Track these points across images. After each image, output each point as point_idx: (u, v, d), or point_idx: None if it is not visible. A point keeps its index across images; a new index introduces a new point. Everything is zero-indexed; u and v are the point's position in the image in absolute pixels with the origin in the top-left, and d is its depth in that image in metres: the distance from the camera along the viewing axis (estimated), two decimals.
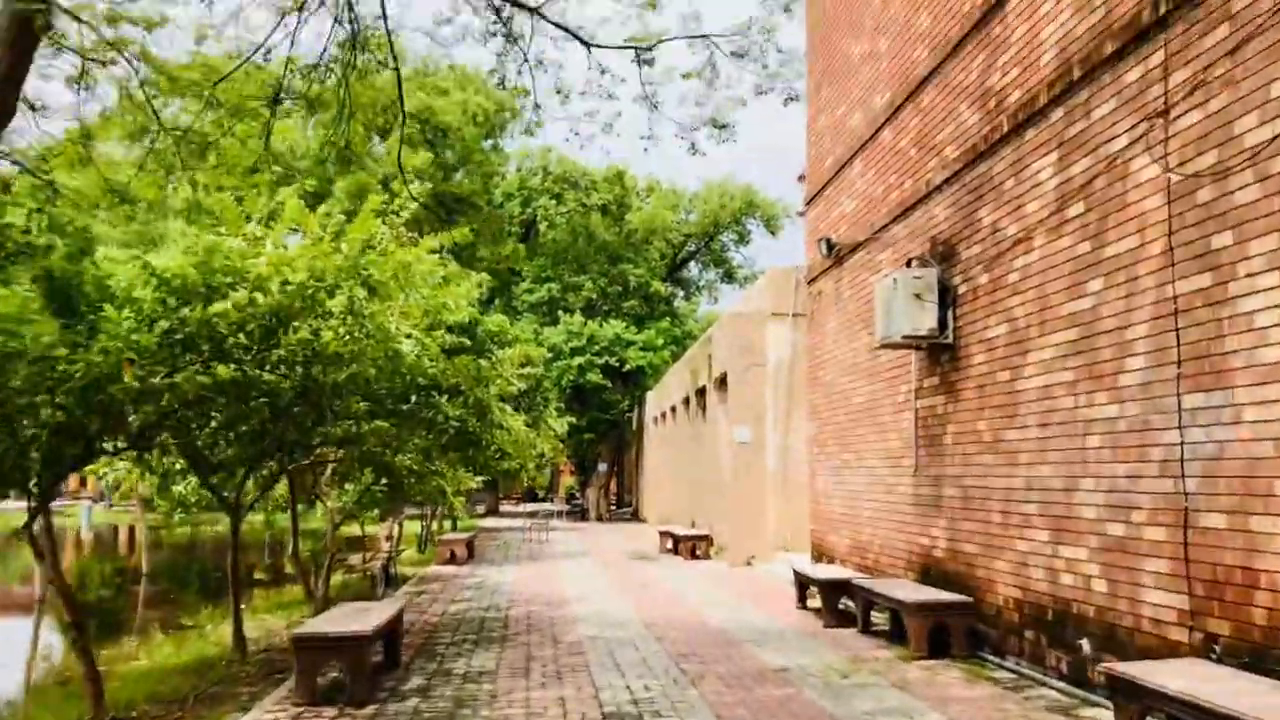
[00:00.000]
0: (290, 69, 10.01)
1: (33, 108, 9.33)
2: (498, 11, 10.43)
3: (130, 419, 7.81)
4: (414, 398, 10.91)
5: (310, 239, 9.57)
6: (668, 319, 44.58)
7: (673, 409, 29.39)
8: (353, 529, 18.73)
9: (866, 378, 12.64)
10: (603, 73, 11.31)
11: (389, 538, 18.90)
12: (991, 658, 8.88)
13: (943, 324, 10.06)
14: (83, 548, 34.10)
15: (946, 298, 10.10)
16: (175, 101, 10.72)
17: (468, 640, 10.49)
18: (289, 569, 18.56)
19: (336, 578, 15.55)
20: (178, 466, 11.57)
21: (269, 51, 9.77)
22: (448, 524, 27.74)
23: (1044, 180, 8.27)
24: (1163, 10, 6.69)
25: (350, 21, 9.61)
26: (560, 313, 40.48)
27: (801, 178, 19.04)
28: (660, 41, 10.64)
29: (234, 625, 10.19)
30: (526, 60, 10.91)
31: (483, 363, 12.67)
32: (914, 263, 10.65)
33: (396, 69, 10.50)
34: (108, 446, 8.43)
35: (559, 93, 11.60)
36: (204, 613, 14.96)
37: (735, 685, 8.13)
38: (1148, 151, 6.88)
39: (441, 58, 33.14)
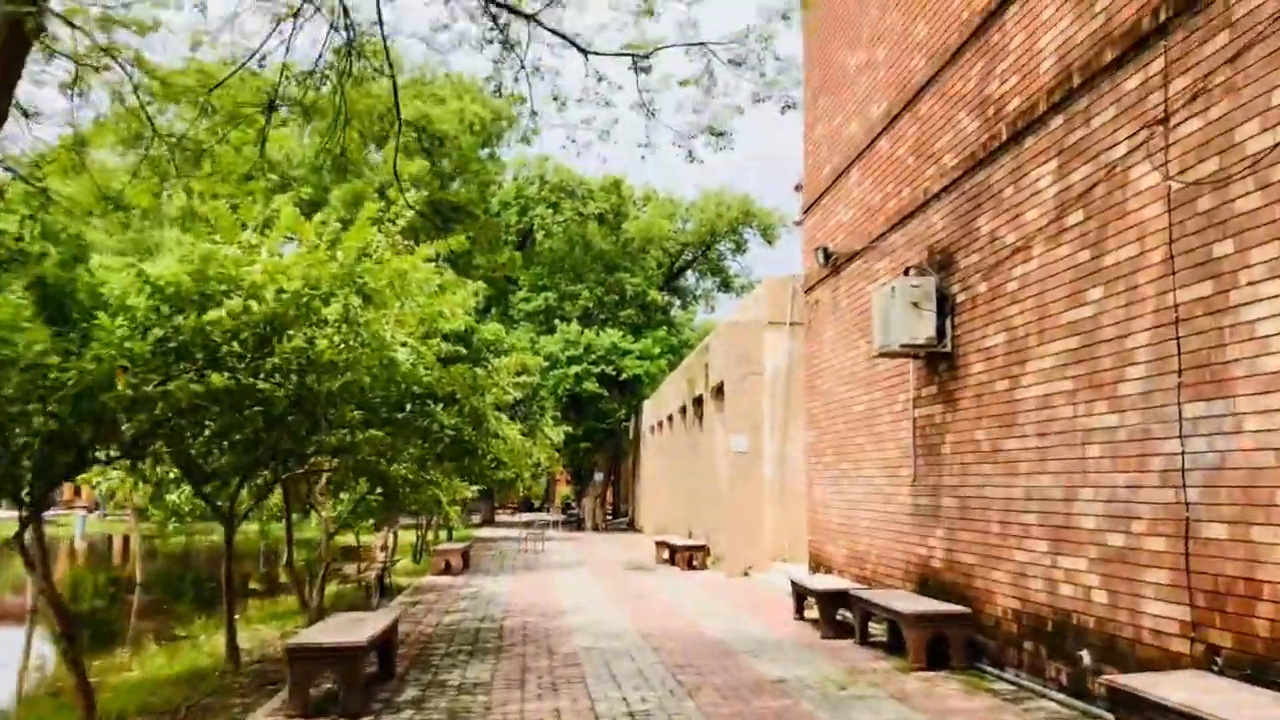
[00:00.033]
0: (286, 75, 9.97)
1: (26, 114, 9.28)
2: (494, 18, 10.39)
3: (123, 427, 7.76)
4: (409, 406, 10.85)
5: (306, 247, 9.54)
6: (664, 328, 44.59)
7: (669, 418, 29.34)
8: (348, 539, 18.65)
9: (864, 387, 12.60)
10: (600, 80, 11.27)
11: (384, 547, 18.80)
12: (990, 669, 8.81)
13: (941, 333, 10.02)
14: (77, 557, 33.94)
15: (945, 306, 10.06)
16: (170, 108, 10.66)
17: (463, 651, 10.42)
18: (284, 579, 18.46)
19: (331, 588, 15.48)
20: (171, 475, 11.49)
21: (264, 58, 9.73)
22: (443, 534, 27.66)
23: (1043, 188, 8.24)
24: (1163, 17, 6.67)
25: (346, 28, 9.58)
26: (557, 321, 40.47)
27: (798, 187, 19.04)
28: (658, 49, 10.60)
29: (227, 635, 10.11)
30: (523, 67, 10.88)
31: (479, 371, 12.60)
32: (912, 271, 10.61)
33: (392, 75, 10.46)
34: (100, 455, 8.38)
35: (556, 99, 11.55)
36: (198, 623, 14.87)
37: (732, 697, 8.06)
38: (1148, 159, 6.84)
39: (438, 65, 33.15)
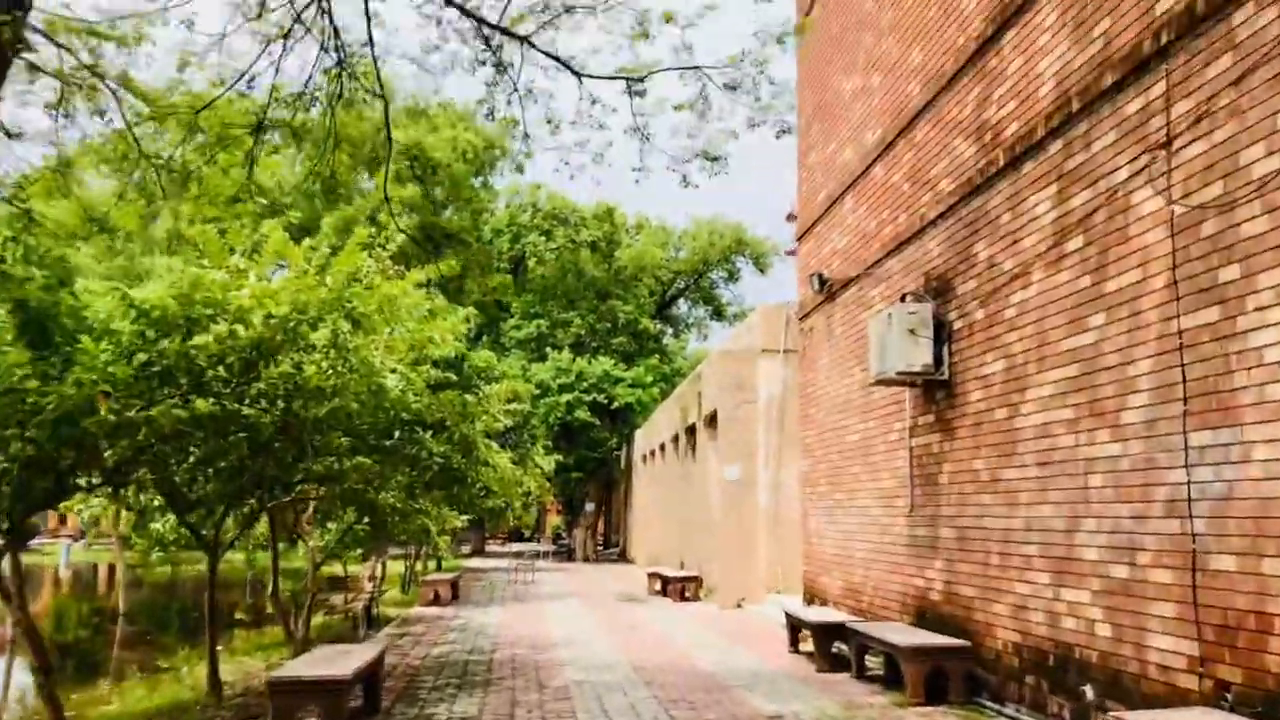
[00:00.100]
0: (275, 97, 9.87)
1: (9, 133, 9.15)
2: (487, 40, 10.31)
3: (105, 453, 7.58)
4: (397, 433, 10.69)
5: (295, 272, 9.40)
6: (657, 356, 44.40)
7: (661, 447, 29.14)
8: (335, 568, 18.38)
9: (860, 415, 12.46)
10: (593, 103, 11.17)
11: (371, 578, 18.56)
12: (990, 704, 8.62)
13: (938, 360, 9.89)
14: (61, 586, 33.53)
15: (942, 333, 9.94)
16: (156, 129, 10.54)
17: (450, 684, 10.19)
18: (270, 609, 18.20)
19: (317, 618, 15.21)
20: (155, 503, 11.29)
21: (253, 79, 9.62)
22: (432, 564, 27.36)
23: (1042, 214, 8.15)
24: (1164, 40, 6.59)
25: (336, 49, 9.48)
26: (548, 349, 40.27)
27: (790, 217, 18.98)
28: (652, 73, 10.51)
29: (210, 667, 9.88)
30: (516, 90, 10.77)
31: (469, 398, 12.44)
32: (908, 298, 10.51)
33: (383, 95, 10.36)
34: (81, 482, 8.19)
35: (549, 122, 11.43)
36: (181, 654, 14.59)
37: None
38: (1150, 184, 6.75)
39: (431, 92, 33.17)
